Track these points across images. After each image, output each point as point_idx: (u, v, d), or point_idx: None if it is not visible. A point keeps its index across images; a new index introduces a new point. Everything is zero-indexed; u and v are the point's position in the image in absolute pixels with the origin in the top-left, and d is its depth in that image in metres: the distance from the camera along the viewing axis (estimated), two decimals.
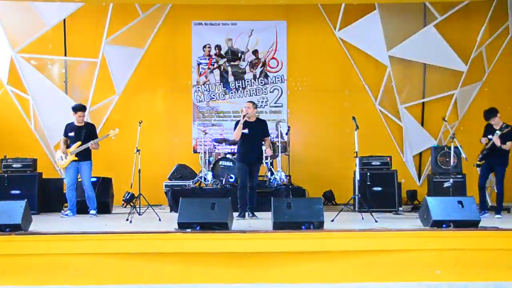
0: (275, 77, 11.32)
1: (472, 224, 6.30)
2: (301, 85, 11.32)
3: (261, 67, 11.31)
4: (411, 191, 10.56)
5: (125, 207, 9.94)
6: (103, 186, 9.50)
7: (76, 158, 8.64)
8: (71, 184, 8.71)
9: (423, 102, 11.15)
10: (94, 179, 9.32)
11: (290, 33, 11.28)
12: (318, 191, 10.24)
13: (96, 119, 10.73)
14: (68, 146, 8.73)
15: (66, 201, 8.83)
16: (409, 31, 10.91)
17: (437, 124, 10.85)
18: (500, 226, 6.52)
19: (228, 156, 9.87)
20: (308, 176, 10.72)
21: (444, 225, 6.26)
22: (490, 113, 8.22)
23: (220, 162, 9.84)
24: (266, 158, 9.64)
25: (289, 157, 10.17)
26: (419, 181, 11.10)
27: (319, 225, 6.30)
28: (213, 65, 11.33)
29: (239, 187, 8.20)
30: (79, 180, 8.88)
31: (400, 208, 9.24)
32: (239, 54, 11.32)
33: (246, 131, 8.08)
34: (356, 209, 8.72)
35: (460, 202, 6.44)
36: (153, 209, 8.33)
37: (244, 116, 8.09)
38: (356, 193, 8.26)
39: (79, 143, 8.63)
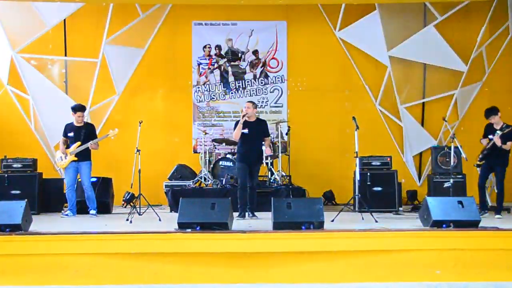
0: (275, 77, 11.32)
1: (472, 224, 6.31)
2: (301, 85, 11.32)
3: (261, 67, 11.31)
4: (411, 191, 10.56)
5: (125, 207, 9.94)
6: (103, 186, 9.50)
7: (76, 158, 8.64)
8: (71, 184, 8.72)
9: (423, 102, 11.15)
10: (94, 179, 9.33)
11: (290, 33, 11.28)
12: (318, 191, 10.23)
13: (96, 119, 10.73)
14: (67, 147, 8.73)
15: (66, 201, 8.84)
16: (409, 31, 10.91)
17: (437, 124, 10.85)
18: (500, 226, 6.53)
19: (228, 156, 9.87)
20: (308, 176, 10.71)
21: (444, 225, 6.26)
22: (491, 111, 8.22)
23: (220, 162, 9.84)
24: (266, 158, 9.65)
25: (289, 157, 10.17)
26: (419, 181, 11.10)
27: (319, 225, 6.30)
28: (213, 65, 11.33)
29: (239, 187, 8.20)
30: (78, 180, 8.89)
31: (400, 208, 9.24)
32: (239, 54, 11.32)
33: (246, 131, 8.08)
34: (356, 209, 8.73)
35: (460, 202, 6.44)
36: (153, 209, 8.33)
37: (244, 116, 8.10)
38: (356, 193, 8.26)
39: (78, 143, 8.63)
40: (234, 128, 8.18)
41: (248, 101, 8.34)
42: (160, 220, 7.84)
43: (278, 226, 6.34)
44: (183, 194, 9.11)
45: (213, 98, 11.32)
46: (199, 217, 6.30)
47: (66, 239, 6.16)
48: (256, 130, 8.17)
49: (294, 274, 6.00)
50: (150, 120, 10.46)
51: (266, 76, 11.31)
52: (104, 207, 9.24)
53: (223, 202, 6.47)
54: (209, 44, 11.30)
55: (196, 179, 10.03)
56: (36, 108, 10.77)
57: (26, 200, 6.47)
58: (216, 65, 11.33)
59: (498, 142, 7.98)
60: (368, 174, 9.20)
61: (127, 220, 7.63)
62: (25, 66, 10.70)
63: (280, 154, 9.92)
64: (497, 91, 11.00)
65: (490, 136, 8.13)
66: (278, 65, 11.31)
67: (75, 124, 8.78)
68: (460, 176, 9.32)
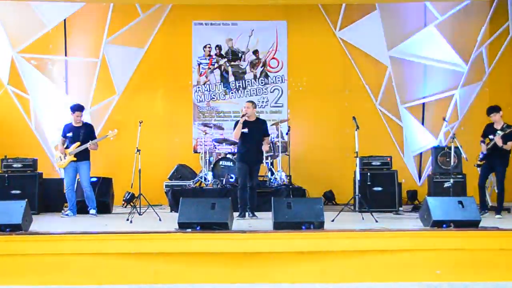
0: (275, 77, 11.32)
1: (472, 224, 6.31)
2: (301, 85, 11.32)
3: (261, 67, 11.31)
4: (411, 191, 10.55)
5: (125, 207, 9.94)
6: (103, 186, 9.50)
7: (75, 159, 8.65)
8: (70, 184, 8.74)
9: (423, 102, 11.14)
10: (95, 179, 9.35)
11: (290, 33, 11.27)
12: (318, 191, 10.24)
13: (97, 119, 10.73)
14: (67, 147, 8.74)
15: (66, 201, 8.85)
16: (409, 31, 10.92)
17: (438, 124, 10.85)
18: (500, 226, 6.53)
19: (228, 156, 9.87)
20: (308, 176, 10.71)
21: (444, 225, 6.27)
22: (494, 109, 8.20)
23: (220, 162, 9.84)
24: (267, 158, 9.65)
25: (289, 157, 10.17)
26: (420, 181, 11.09)
27: (319, 225, 6.30)
28: (214, 65, 11.33)
29: (239, 187, 8.20)
30: (78, 180, 8.89)
31: (400, 208, 9.24)
32: (240, 54, 11.32)
33: (246, 130, 8.09)
34: (356, 209, 8.74)
35: (460, 202, 6.44)
36: (153, 209, 8.34)
37: (243, 115, 8.10)
38: (357, 193, 8.26)
39: (78, 143, 8.64)
40: (234, 128, 8.19)
41: (248, 101, 8.34)
42: (160, 220, 7.85)
43: (278, 226, 6.35)
44: (183, 194, 9.11)
45: (213, 98, 11.32)
46: (199, 217, 6.30)
47: (66, 239, 6.17)
48: (256, 130, 8.17)
49: (294, 274, 6.00)
50: (150, 120, 10.44)
51: (266, 76, 11.31)
52: (104, 207, 9.24)
53: (223, 202, 6.48)
54: (209, 44, 11.30)
55: (196, 179, 10.03)
56: (36, 108, 10.77)
57: (26, 200, 6.47)
58: (216, 65, 11.33)
59: (499, 142, 7.97)
60: (368, 174, 9.20)
61: (127, 220, 7.64)
62: (25, 66, 10.70)
63: (280, 154, 9.92)
64: (497, 91, 10.99)
65: (491, 136, 8.13)
66: (278, 65, 11.31)
67: (74, 124, 8.79)
68: (460, 176, 9.32)
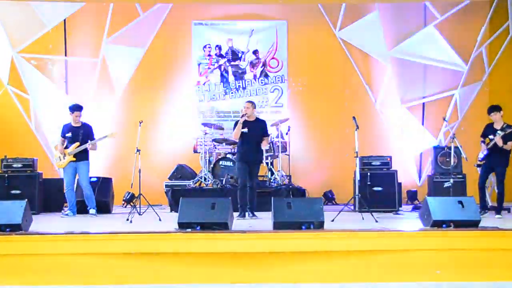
0: (275, 77, 11.32)
1: (472, 224, 6.30)
2: (301, 85, 11.32)
3: (261, 67, 11.31)
4: (411, 191, 10.56)
5: (125, 207, 9.94)
6: (103, 186, 9.50)
7: (74, 159, 8.66)
8: (70, 184, 8.73)
9: (423, 102, 11.15)
10: (95, 179, 9.36)
11: (290, 33, 11.27)
12: (318, 191, 10.24)
13: (96, 119, 10.70)
14: (66, 147, 8.74)
15: (66, 201, 8.85)
16: (409, 31, 10.92)
17: (438, 124, 10.85)
18: (500, 226, 6.52)
19: (228, 156, 9.87)
20: (308, 176, 10.72)
21: (444, 225, 6.26)
22: (494, 108, 8.18)
23: (220, 162, 9.84)
24: (267, 158, 9.65)
25: (289, 157, 10.17)
26: (419, 181, 11.10)
27: (319, 225, 6.30)
28: (214, 65, 11.33)
29: (239, 187, 8.21)
30: (78, 180, 8.90)
31: (400, 208, 9.24)
32: (239, 54, 11.32)
33: (245, 130, 8.09)
34: (356, 209, 8.74)
35: (460, 202, 6.44)
36: (153, 209, 8.34)
37: (243, 115, 8.11)
38: (356, 193, 8.27)
39: (77, 143, 8.64)
40: (234, 128, 8.19)
41: (248, 101, 8.35)
42: (160, 220, 7.85)
43: (278, 226, 6.35)
44: (183, 194, 9.12)
45: (213, 98, 11.31)
46: (199, 217, 6.30)
47: (66, 239, 6.17)
48: (255, 130, 8.17)
49: (294, 274, 6.00)
50: (150, 120, 10.47)
51: (266, 76, 11.31)
52: (104, 207, 9.24)
53: (223, 202, 6.48)
54: (209, 44, 11.30)
55: (196, 179, 10.03)
56: (36, 108, 10.77)
57: (26, 200, 6.48)
58: (216, 65, 11.33)
59: (500, 142, 7.97)
60: (368, 174, 9.20)
61: (127, 220, 7.64)
62: (25, 66, 10.71)
63: (280, 154, 9.93)
64: (497, 91, 10.99)
65: (491, 137, 8.12)
66: (278, 65, 11.31)
67: (73, 124, 8.80)
68: (460, 176, 9.33)
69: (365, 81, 11.14)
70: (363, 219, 7.63)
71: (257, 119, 8.36)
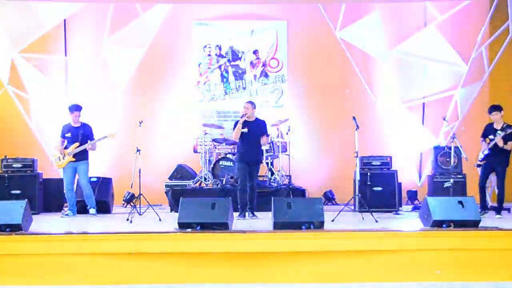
0: (275, 77, 11.32)
1: (472, 224, 6.31)
2: (301, 85, 11.32)
3: (261, 67, 11.31)
4: (411, 191, 10.55)
5: (125, 207, 9.93)
6: (103, 186, 9.50)
7: (73, 159, 8.66)
8: (70, 184, 8.74)
9: (423, 102, 11.15)
10: (95, 179, 9.37)
11: (290, 33, 11.26)
12: (318, 191, 10.24)
13: (96, 119, 10.70)
14: (65, 147, 8.74)
15: (66, 201, 8.85)
16: (409, 31, 10.92)
17: (438, 124, 10.84)
18: (500, 226, 6.53)
19: (228, 156, 9.86)
20: (308, 176, 10.72)
21: (444, 225, 6.27)
22: (495, 107, 8.17)
23: (220, 162, 9.84)
24: (267, 158, 9.65)
25: (289, 157, 10.16)
26: (419, 181, 11.09)
27: (319, 225, 6.31)
28: (214, 65, 11.33)
29: (239, 187, 8.21)
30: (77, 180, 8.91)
31: (400, 208, 9.24)
32: (239, 54, 11.32)
33: (245, 130, 8.10)
34: (356, 209, 8.74)
35: (460, 202, 6.44)
36: (153, 209, 8.34)
37: (242, 116, 8.11)
38: (356, 193, 8.27)
39: (77, 144, 8.65)
40: (234, 128, 8.19)
41: (247, 102, 8.35)
42: (160, 220, 7.84)
43: (278, 226, 6.35)
44: (183, 194, 9.12)
45: (213, 98, 11.31)
46: (199, 217, 6.31)
47: (66, 239, 6.18)
48: (255, 130, 8.18)
49: (294, 274, 6.00)
50: (150, 120, 10.46)
51: (266, 76, 11.31)
52: (104, 207, 9.24)
53: (223, 202, 6.48)
54: (209, 44, 11.30)
55: (196, 179, 10.03)
56: (36, 108, 10.76)
57: (26, 200, 6.49)
58: (216, 65, 11.33)
59: (500, 142, 7.96)
60: (368, 174, 9.20)
61: (127, 220, 7.64)
62: (25, 66, 10.71)
63: (280, 154, 9.92)
64: (497, 91, 10.98)
65: (491, 137, 8.12)
66: (278, 65, 11.31)
67: (72, 124, 8.81)
68: (460, 176, 9.33)
69: (365, 81, 11.14)
70: (363, 219, 7.64)
71: (257, 120, 8.36)
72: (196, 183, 9.97)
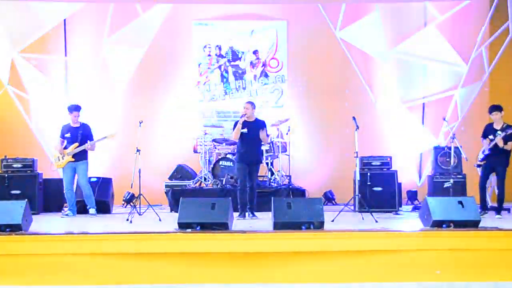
0: (275, 77, 11.32)
1: (472, 224, 6.31)
2: (301, 85, 11.32)
3: (261, 67, 11.31)
4: (411, 191, 10.54)
5: (125, 207, 9.93)
6: (103, 186, 9.50)
7: (73, 159, 8.66)
8: (69, 184, 8.74)
9: (423, 102, 11.15)
10: (95, 179, 9.36)
11: (290, 33, 11.26)
12: (318, 191, 10.24)
13: (96, 119, 10.71)
14: (65, 147, 8.74)
15: (66, 201, 8.85)
16: (409, 31, 10.92)
17: (438, 124, 10.84)
18: (500, 226, 6.53)
19: (228, 156, 9.86)
20: (308, 176, 10.72)
21: (444, 225, 6.27)
22: (496, 107, 8.17)
23: (220, 162, 9.84)
24: (267, 158, 9.65)
25: (289, 157, 10.16)
26: (419, 181, 11.09)
27: (319, 225, 6.31)
28: (214, 65, 11.33)
29: (239, 187, 8.22)
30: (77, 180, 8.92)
31: (400, 208, 9.24)
32: (239, 54, 11.32)
33: (245, 130, 8.10)
34: (356, 209, 8.74)
35: (460, 202, 6.44)
36: (153, 209, 8.34)
37: (242, 116, 8.12)
38: (356, 193, 8.28)
39: (76, 144, 8.66)
40: (234, 128, 8.20)
41: (247, 102, 8.36)
42: (160, 220, 7.84)
43: (278, 226, 6.35)
44: (183, 194, 9.12)
45: (213, 98, 11.31)
46: (199, 217, 6.31)
47: (66, 239, 6.18)
48: (255, 130, 8.18)
49: (294, 274, 6.00)
50: (150, 120, 10.45)
51: (266, 76, 11.31)
52: (104, 207, 9.24)
53: (223, 202, 6.49)
54: (209, 44, 11.30)
55: (196, 179, 10.03)
56: (36, 108, 10.76)
57: (26, 200, 6.49)
58: (216, 65, 11.32)
59: (500, 143, 7.96)
60: (368, 174, 9.20)
61: (127, 220, 7.63)
62: (25, 66, 10.70)
63: (280, 154, 9.92)
64: (497, 91, 10.97)
65: (491, 137, 8.12)
66: (278, 65, 11.31)
67: (72, 124, 8.81)
68: (460, 176, 9.33)
69: (365, 81, 11.14)
70: (363, 219, 7.63)
71: (257, 120, 8.36)
72: (196, 183, 9.97)
